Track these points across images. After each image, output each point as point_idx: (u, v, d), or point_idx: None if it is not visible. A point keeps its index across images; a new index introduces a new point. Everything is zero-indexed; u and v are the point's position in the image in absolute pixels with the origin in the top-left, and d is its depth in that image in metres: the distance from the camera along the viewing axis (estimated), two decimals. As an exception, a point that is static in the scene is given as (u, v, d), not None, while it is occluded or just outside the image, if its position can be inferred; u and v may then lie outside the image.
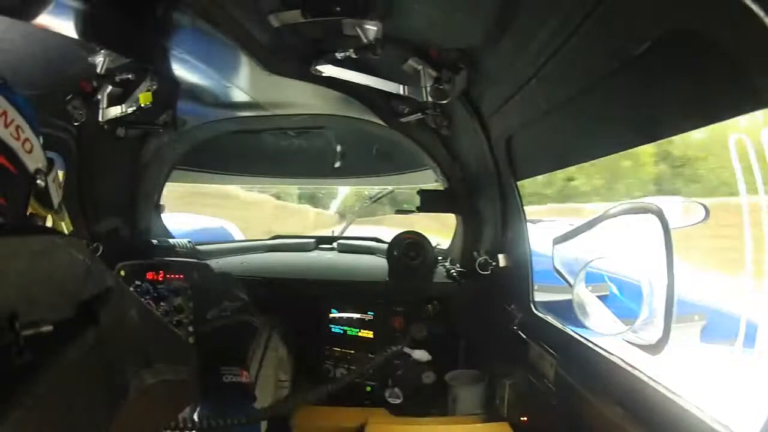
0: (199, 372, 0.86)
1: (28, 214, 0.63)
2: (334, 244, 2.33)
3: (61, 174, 1.68)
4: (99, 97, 1.40)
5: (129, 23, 1.09)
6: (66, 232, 0.72)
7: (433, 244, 1.91)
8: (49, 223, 0.67)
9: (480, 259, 1.64)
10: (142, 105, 1.41)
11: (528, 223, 1.45)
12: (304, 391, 1.54)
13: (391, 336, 1.77)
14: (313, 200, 5.54)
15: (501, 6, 0.96)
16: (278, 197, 5.80)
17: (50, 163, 0.67)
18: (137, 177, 1.98)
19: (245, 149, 2.35)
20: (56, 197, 0.67)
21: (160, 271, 1.66)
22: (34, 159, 0.62)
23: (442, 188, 1.91)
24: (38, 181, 0.63)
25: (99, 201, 1.82)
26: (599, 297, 1.38)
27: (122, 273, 1.62)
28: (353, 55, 1.13)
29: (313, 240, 2.38)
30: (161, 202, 2.18)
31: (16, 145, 0.59)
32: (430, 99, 1.26)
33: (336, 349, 1.85)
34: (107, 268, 0.62)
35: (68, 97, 1.36)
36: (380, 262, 1.97)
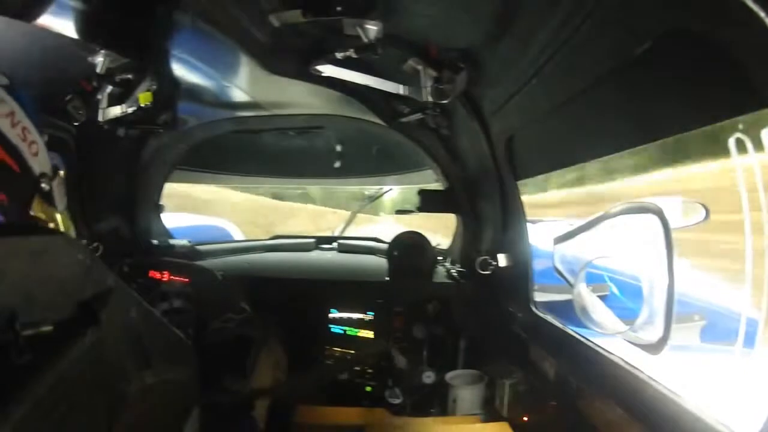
0: (200, 380, 0.86)
1: (31, 215, 0.63)
2: (334, 244, 2.33)
3: (60, 174, 1.68)
4: (99, 97, 1.40)
5: (129, 23, 1.09)
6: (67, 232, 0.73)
7: (433, 244, 1.91)
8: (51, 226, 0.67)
9: (480, 259, 1.64)
10: (142, 105, 1.41)
11: (528, 223, 1.45)
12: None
13: (392, 336, 1.77)
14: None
15: (501, 6, 0.96)
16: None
17: (55, 169, 0.67)
18: (137, 177, 1.98)
19: (245, 149, 2.35)
20: (61, 203, 0.68)
21: (164, 271, 1.66)
22: (39, 162, 0.63)
23: (442, 188, 1.91)
24: (43, 185, 0.63)
25: (99, 201, 1.82)
26: (599, 297, 1.38)
27: (125, 270, 1.63)
28: (353, 55, 1.13)
29: (313, 240, 2.38)
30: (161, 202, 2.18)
31: (22, 146, 0.59)
32: (430, 99, 1.25)
33: (336, 349, 1.85)
34: (107, 268, 0.62)
35: (68, 97, 1.36)
36: (380, 262, 1.97)
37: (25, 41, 1.06)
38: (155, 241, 2.10)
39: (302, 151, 2.29)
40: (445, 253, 2.03)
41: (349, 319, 1.84)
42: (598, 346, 1.07)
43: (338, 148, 2.20)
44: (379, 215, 4.36)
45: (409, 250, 1.85)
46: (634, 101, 0.85)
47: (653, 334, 0.82)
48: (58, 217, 0.68)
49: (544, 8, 0.87)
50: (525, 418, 1.41)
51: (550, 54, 0.94)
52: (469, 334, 1.79)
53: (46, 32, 1.01)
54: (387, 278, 1.86)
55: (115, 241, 1.87)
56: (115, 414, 0.58)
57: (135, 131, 1.60)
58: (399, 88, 1.30)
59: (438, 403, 1.72)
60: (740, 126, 0.71)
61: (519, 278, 1.47)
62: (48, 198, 0.65)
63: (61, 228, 0.69)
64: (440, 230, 2.31)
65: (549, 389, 1.24)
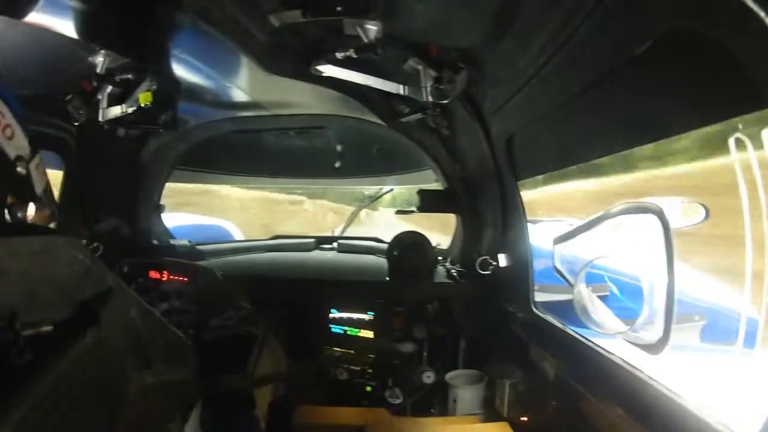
0: (200, 378, 0.86)
1: (8, 202, 0.61)
2: (334, 244, 2.33)
3: (60, 173, 1.68)
4: (99, 97, 1.40)
5: (129, 23, 1.09)
6: (51, 224, 0.70)
7: (433, 244, 1.91)
8: (31, 211, 0.65)
9: (480, 259, 1.64)
10: (142, 105, 1.41)
11: (528, 223, 1.45)
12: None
13: (392, 336, 1.77)
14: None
15: (501, 6, 0.96)
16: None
17: (33, 149, 0.65)
18: (137, 177, 1.98)
19: (245, 149, 2.35)
20: (39, 184, 0.65)
21: (164, 271, 1.66)
22: (14, 145, 0.60)
23: (442, 188, 1.91)
24: (18, 169, 0.61)
25: (99, 201, 1.82)
26: (599, 297, 1.38)
27: (125, 270, 1.63)
28: (353, 55, 1.13)
29: (313, 240, 2.38)
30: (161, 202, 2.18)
31: None
32: (430, 99, 1.25)
33: (336, 349, 1.85)
34: (107, 268, 0.62)
35: (68, 97, 1.36)
36: (380, 262, 1.97)
37: (26, 41, 1.06)
38: (155, 241, 2.10)
39: (302, 151, 2.29)
40: (445, 253, 2.03)
41: (350, 319, 1.84)
42: (598, 346, 1.07)
43: (338, 148, 2.20)
44: (378, 210, 4.40)
45: (409, 250, 1.84)
46: (634, 101, 0.85)
47: (653, 334, 0.82)
48: (39, 205, 0.65)
49: (544, 8, 0.87)
50: (525, 418, 1.41)
51: (550, 54, 0.94)
52: (469, 334, 1.79)
53: (46, 32, 1.01)
54: (387, 278, 1.86)
55: (115, 241, 1.87)
56: (115, 414, 0.58)
57: (135, 131, 1.60)
58: (399, 88, 1.30)
59: (438, 403, 1.72)
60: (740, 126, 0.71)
61: (519, 278, 1.47)
62: (24, 182, 0.63)
63: (43, 212, 0.67)
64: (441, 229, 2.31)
65: (549, 389, 1.24)
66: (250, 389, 1.37)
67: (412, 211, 2.02)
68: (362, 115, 1.73)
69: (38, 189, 0.65)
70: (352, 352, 1.83)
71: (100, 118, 1.43)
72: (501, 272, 1.57)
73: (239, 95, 1.67)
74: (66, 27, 1.02)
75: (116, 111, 1.43)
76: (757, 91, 0.57)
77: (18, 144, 0.61)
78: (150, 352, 0.68)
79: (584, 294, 1.07)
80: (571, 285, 1.12)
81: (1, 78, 0.61)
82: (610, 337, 1.02)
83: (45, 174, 0.69)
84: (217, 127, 1.93)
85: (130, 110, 1.43)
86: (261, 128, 2.06)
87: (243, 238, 3.37)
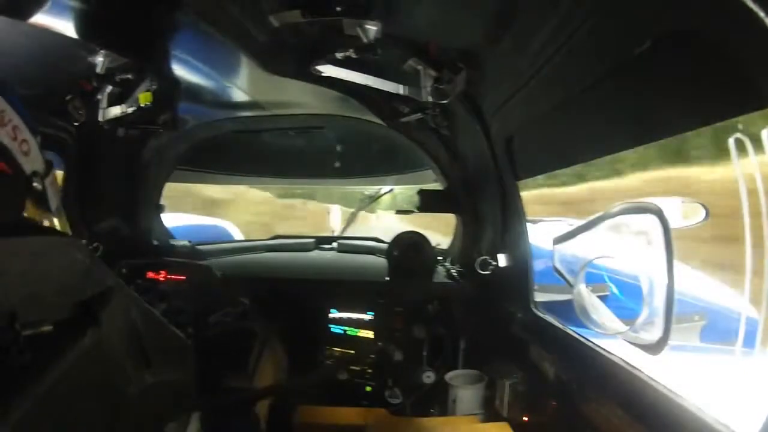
0: (199, 376, 0.86)
1: (24, 216, 0.62)
2: (334, 244, 2.33)
3: (60, 174, 1.68)
4: (99, 97, 1.41)
5: (129, 23, 1.09)
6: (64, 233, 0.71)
7: (433, 244, 1.92)
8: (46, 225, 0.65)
9: (480, 259, 1.64)
10: (142, 105, 1.41)
11: (528, 223, 1.45)
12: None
13: (392, 336, 1.77)
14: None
15: (501, 6, 0.96)
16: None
17: (48, 165, 0.66)
18: (137, 177, 1.98)
19: (245, 149, 2.36)
20: (54, 200, 0.66)
21: (161, 271, 1.66)
22: (31, 161, 0.61)
23: (442, 188, 1.91)
24: (35, 184, 0.62)
25: (99, 201, 1.82)
26: (599, 297, 1.38)
27: (123, 271, 1.63)
28: (353, 55, 1.13)
29: (313, 240, 2.38)
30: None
31: (12, 145, 0.58)
32: (430, 99, 1.26)
33: (336, 349, 1.85)
34: (107, 268, 0.63)
35: (68, 97, 1.36)
36: (380, 262, 1.97)
37: (26, 41, 1.06)
38: (156, 241, 2.10)
39: (302, 151, 2.30)
40: (445, 253, 2.03)
41: (349, 319, 1.84)
42: (598, 346, 1.07)
43: (338, 148, 2.20)
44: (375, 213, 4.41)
45: (409, 250, 1.84)
46: (634, 101, 0.85)
47: (653, 334, 0.82)
48: (55, 220, 0.67)
49: (544, 8, 0.87)
50: (525, 418, 1.41)
51: (550, 54, 0.94)
52: (469, 334, 1.79)
53: (47, 32, 1.01)
54: (387, 278, 1.86)
55: (115, 241, 1.87)
56: (115, 414, 0.58)
57: (135, 131, 1.60)
58: (399, 88, 1.30)
59: (438, 403, 1.72)
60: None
61: (519, 278, 1.47)
62: (41, 197, 0.64)
63: (57, 227, 0.68)
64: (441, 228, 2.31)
65: (549, 389, 1.24)
66: (250, 389, 1.36)
67: (412, 211, 2.03)
68: (362, 115, 1.74)
69: (53, 205, 0.66)
70: (352, 352, 1.83)
71: (100, 118, 1.43)
72: (501, 272, 1.57)
73: (239, 95, 1.67)
74: (66, 27, 1.03)
75: (116, 111, 1.43)
76: (757, 91, 0.57)
77: (34, 159, 0.62)
78: (150, 352, 0.68)
79: (584, 294, 1.07)
80: (571, 285, 1.12)
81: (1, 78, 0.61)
82: (610, 337, 1.03)
83: (59, 191, 0.69)
84: (217, 127, 1.93)
85: (130, 110, 1.43)
86: (261, 128, 2.06)
87: (243, 238, 3.37)
